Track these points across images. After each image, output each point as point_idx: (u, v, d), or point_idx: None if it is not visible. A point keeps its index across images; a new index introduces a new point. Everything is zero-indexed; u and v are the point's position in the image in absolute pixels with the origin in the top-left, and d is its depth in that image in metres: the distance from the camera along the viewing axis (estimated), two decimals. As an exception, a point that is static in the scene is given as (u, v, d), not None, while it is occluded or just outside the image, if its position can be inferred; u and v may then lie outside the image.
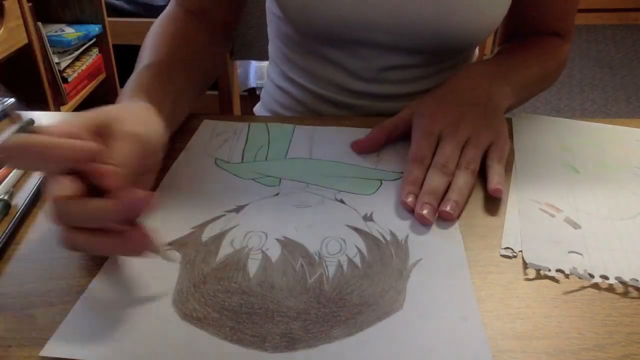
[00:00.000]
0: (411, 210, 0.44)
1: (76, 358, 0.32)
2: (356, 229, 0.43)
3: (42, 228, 0.43)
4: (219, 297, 0.36)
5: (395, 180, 0.49)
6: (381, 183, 0.49)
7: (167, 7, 0.64)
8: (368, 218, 0.44)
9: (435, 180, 0.46)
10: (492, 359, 0.32)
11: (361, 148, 0.53)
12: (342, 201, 0.46)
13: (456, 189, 0.45)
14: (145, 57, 0.55)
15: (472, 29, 0.60)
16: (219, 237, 0.42)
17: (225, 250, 0.40)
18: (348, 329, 0.34)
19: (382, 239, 0.42)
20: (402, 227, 0.43)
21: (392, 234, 0.42)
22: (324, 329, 0.34)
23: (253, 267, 0.39)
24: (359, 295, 0.37)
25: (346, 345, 0.33)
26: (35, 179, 0.49)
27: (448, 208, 0.44)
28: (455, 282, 0.38)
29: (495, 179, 0.47)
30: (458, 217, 0.44)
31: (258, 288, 0.37)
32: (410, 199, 0.45)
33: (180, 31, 0.60)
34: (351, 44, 0.64)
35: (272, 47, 0.76)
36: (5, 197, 0.45)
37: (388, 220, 0.44)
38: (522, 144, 0.55)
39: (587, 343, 0.33)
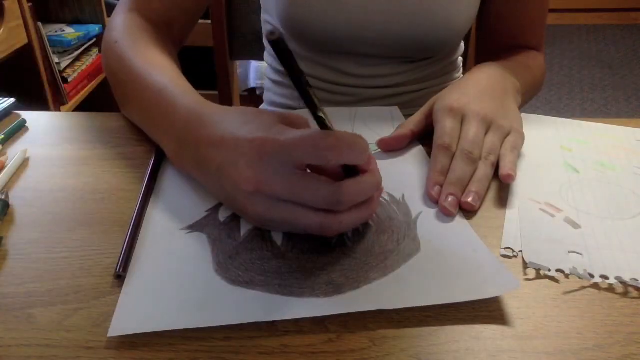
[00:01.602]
0: (436, 202, 0.45)
1: (144, 331, 0.33)
2: None
3: (41, 228, 0.43)
4: (257, 264, 0.39)
5: (375, 151, 0.53)
6: None
7: (122, 16, 0.59)
8: None
9: (461, 170, 0.47)
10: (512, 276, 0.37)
11: (387, 146, 0.53)
12: None
13: (477, 180, 0.46)
14: (159, 75, 0.50)
15: (441, 34, 0.67)
16: (236, 215, 0.43)
17: (245, 226, 0.42)
18: (381, 271, 0.38)
19: (382, 200, 0.46)
20: (396, 188, 0.47)
21: (390, 195, 0.47)
22: (361, 274, 0.38)
23: (277, 238, 0.41)
24: (379, 246, 0.41)
25: (384, 285, 0.37)
26: (27, 178, 0.49)
27: (470, 199, 0.45)
28: (455, 224, 0.43)
29: (507, 165, 0.48)
30: (478, 208, 0.46)
31: (290, 254, 0.40)
32: (436, 190, 0.46)
33: (159, 43, 0.57)
34: (341, 53, 0.70)
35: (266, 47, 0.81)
36: (2, 197, 0.45)
37: (383, 184, 0.47)
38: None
39: (587, 343, 0.33)
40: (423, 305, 0.35)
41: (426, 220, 0.43)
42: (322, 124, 0.37)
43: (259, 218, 0.39)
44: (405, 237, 0.41)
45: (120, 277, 0.37)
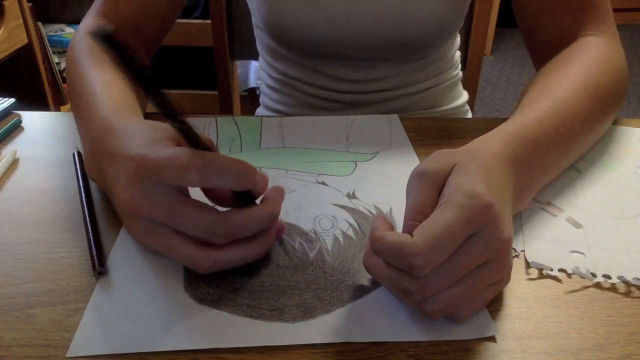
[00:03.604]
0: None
1: (103, 353, 0.32)
2: (343, 207, 0.45)
3: (41, 228, 0.43)
4: (228, 280, 0.38)
5: (368, 160, 0.52)
6: (356, 164, 0.52)
7: (89, 19, 0.59)
8: (352, 196, 0.47)
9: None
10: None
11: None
12: (324, 183, 0.49)
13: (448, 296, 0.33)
14: (97, 78, 0.49)
15: (424, 32, 0.65)
16: None
17: None
18: (357, 292, 0.37)
19: (368, 213, 0.45)
20: (384, 201, 0.46)
21: (377, 208, 0.45)
22: (335, 295, 0.36)
23: None
24: (358, 262, 0.39)
25: (359, 307, 0.35)
26: (27, 178, 0.49)
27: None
28: None
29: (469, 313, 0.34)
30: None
31: (264, 269, 0.39)
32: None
33: None
34: (331, 58, 0.68)
35: (259, 48, 0.80)
36: None
37: (370, 196, 0.47)
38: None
39: (587, 343, 0.33)
40: (392, 341, 0.33)
41: None
42: (187, 134, 0.33)
43: (139, 241, 0.39)
44: None
45: (102, 274, 0.38)
